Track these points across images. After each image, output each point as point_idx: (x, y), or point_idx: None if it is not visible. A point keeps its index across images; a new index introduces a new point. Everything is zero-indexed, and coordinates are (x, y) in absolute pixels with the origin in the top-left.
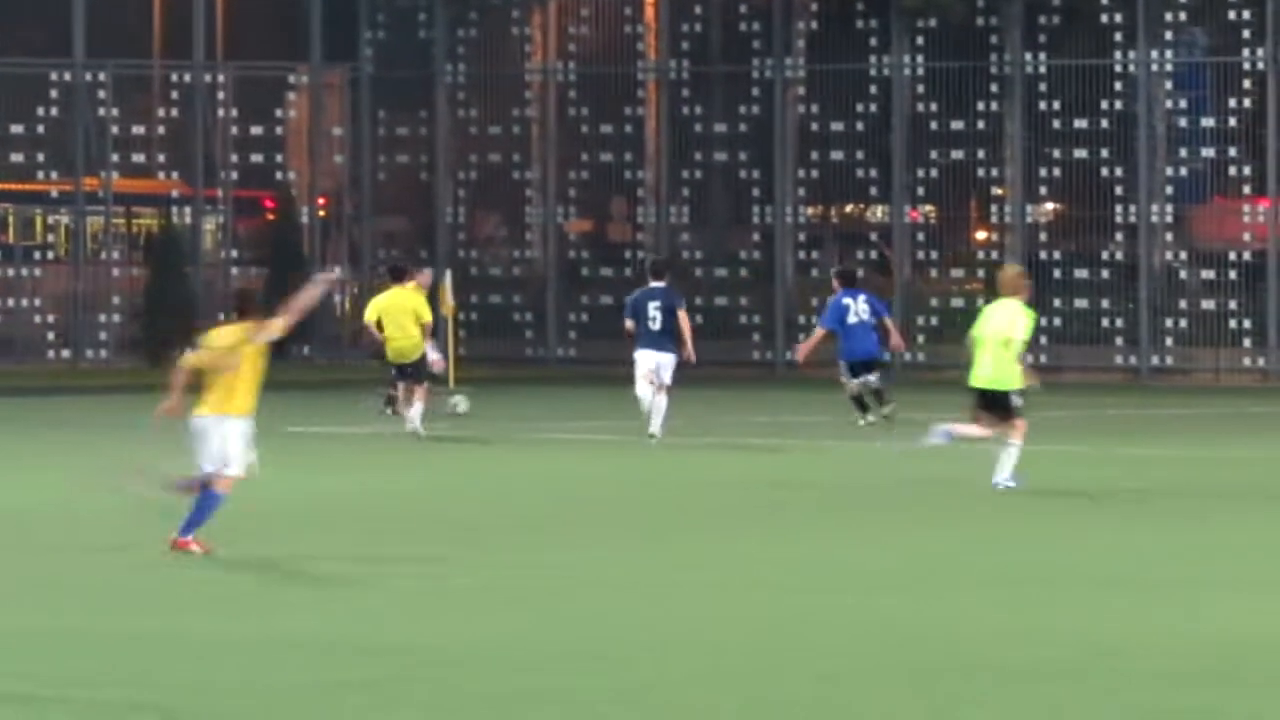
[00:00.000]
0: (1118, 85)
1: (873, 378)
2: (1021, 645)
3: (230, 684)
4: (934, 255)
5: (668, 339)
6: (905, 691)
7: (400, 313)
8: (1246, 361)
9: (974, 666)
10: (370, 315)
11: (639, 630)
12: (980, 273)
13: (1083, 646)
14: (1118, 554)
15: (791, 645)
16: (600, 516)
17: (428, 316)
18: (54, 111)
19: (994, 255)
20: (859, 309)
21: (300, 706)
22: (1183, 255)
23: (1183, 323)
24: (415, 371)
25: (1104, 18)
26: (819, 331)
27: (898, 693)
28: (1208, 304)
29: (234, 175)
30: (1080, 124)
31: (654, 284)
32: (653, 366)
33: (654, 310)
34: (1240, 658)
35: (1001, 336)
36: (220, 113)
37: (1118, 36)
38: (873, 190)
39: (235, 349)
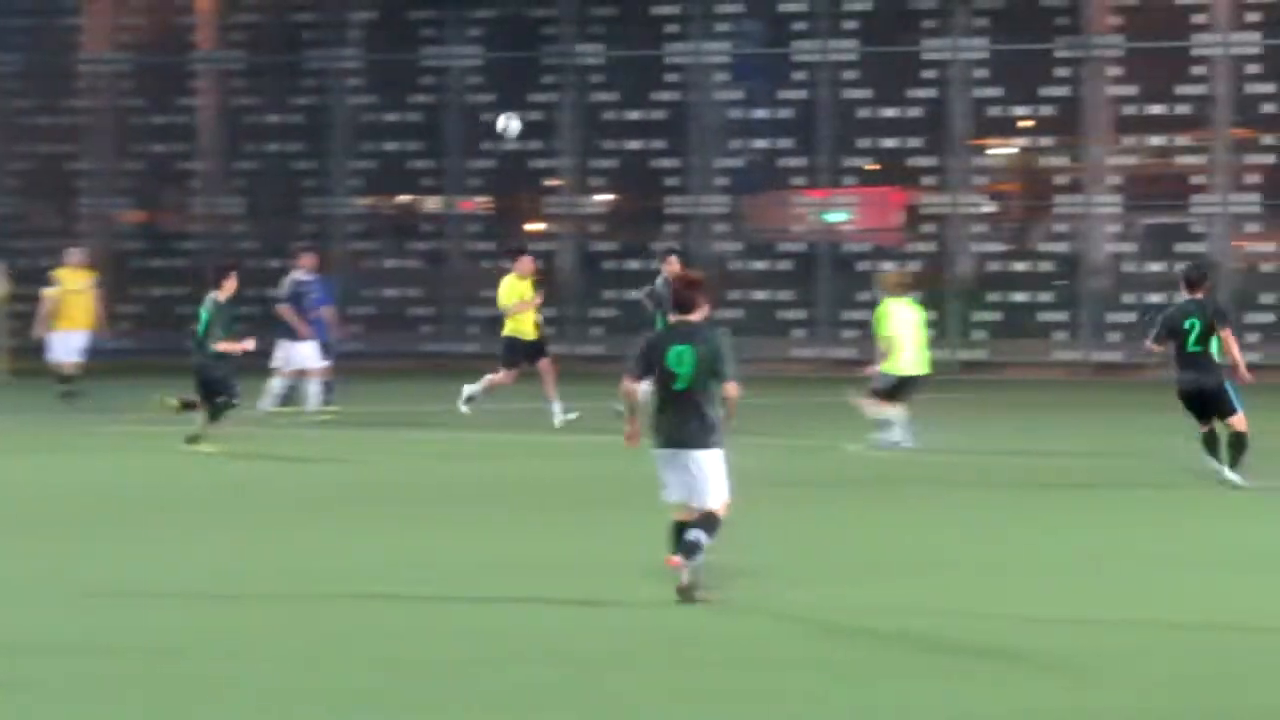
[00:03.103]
0: (672, 76)
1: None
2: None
3: None
4: (489, 246)
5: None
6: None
7: None
8: (796, 352)
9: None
10: None
11: None
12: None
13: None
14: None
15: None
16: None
17: None
18: None
19: (548, 246)
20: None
21: None
22: (737, 246)
23: (739, 313)
24: None
25: (657, 9)
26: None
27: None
28: (761, 294)
29: None
30: (634, 115)
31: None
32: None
33: None
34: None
35: None
36: None
37: (672, 28)
38: (428, 181)
39: None
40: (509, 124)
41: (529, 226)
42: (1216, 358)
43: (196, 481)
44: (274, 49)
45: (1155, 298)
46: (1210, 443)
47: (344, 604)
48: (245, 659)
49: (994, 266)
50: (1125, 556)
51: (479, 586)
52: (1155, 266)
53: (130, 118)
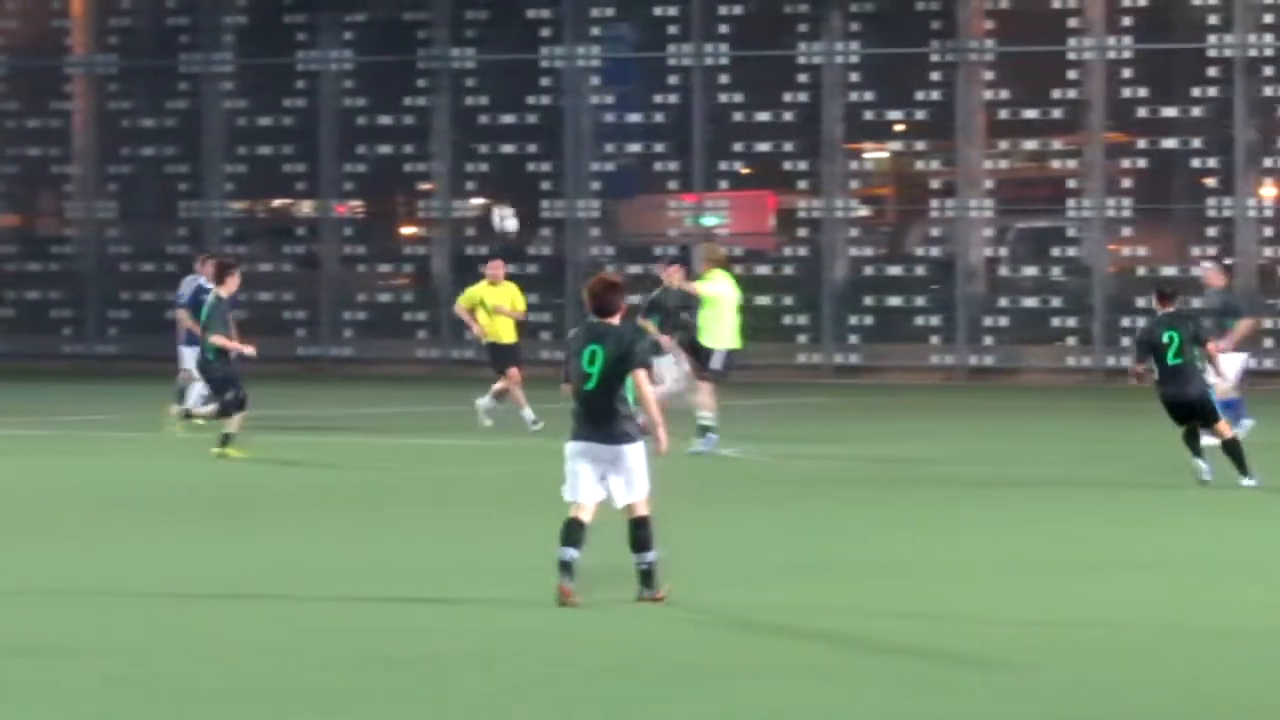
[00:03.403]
0: (546, 80)
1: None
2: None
3: None
4: (362, 250)
5: None
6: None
7: None
8: None
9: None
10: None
11: None
12: (407, 267)
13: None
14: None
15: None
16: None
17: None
18: None
19: (421, 250)
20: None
21: None
22: (609, 250)
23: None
24: None
25: (531, 13)
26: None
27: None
28: (634, 298)
29: None
30: (508, 119)
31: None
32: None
33: None
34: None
35: None
36: None
37: (546, 32)
38: (301, 184)
39: None
40: (504, 219)
41: (403, 230)
42: (1200, 368)
43: (74, 484)
44: (148, 53)
45: (1030, 302)
46: (1192, 437)
47: (302, 604)
48: (153, 659)
49: (868, 270)
50: (1043, 558)
51: (428, 588)
52: (1030, 270)
53: (4, 121)
